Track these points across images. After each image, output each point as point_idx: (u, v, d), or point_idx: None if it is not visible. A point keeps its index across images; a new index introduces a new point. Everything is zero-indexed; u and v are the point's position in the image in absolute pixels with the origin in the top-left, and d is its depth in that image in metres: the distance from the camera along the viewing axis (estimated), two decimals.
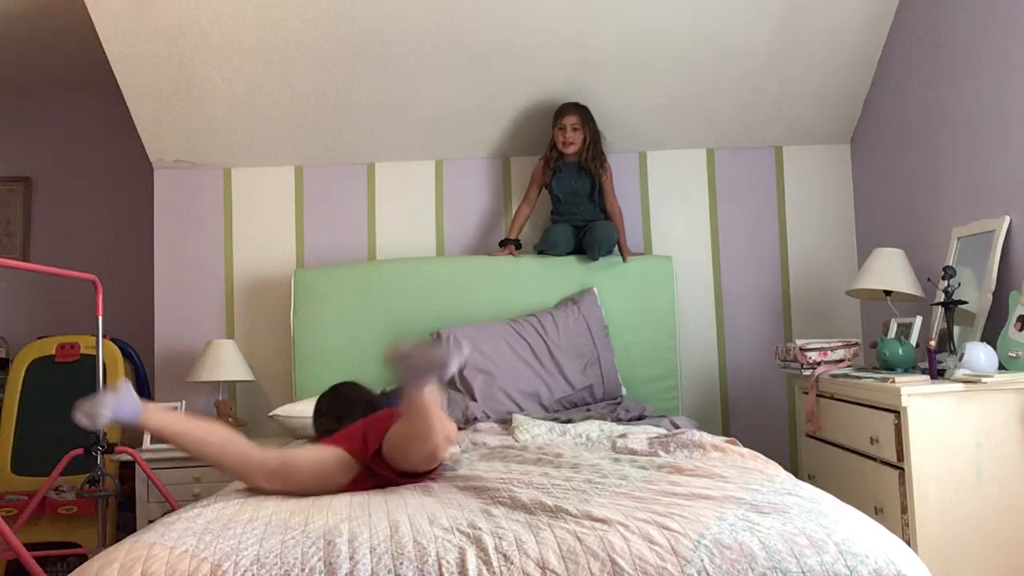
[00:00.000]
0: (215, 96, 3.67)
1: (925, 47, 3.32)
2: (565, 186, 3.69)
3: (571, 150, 3.63)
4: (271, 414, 3.28)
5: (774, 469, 2.25)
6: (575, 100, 3.74)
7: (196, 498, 3.17)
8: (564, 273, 3.70)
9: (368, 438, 2.23)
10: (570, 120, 3.62)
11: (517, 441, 2.76)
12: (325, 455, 2.17)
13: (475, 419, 3.25)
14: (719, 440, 2.56)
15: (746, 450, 2.48)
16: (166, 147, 3.85)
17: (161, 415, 2.20)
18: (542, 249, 3.73)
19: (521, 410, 3.29)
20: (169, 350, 3.86)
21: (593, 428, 2.88)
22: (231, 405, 3.65)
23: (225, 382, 3.72)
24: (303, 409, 3.26)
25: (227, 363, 3.59)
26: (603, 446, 2.68)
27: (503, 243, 3.75)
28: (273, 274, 3.90)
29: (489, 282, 3.68)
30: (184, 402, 3.61)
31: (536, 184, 3.77)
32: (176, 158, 3.90)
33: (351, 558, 1.55)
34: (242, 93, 3.66)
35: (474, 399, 3.29)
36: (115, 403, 2.10)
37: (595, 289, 3.64)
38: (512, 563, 1.53)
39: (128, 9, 3.34)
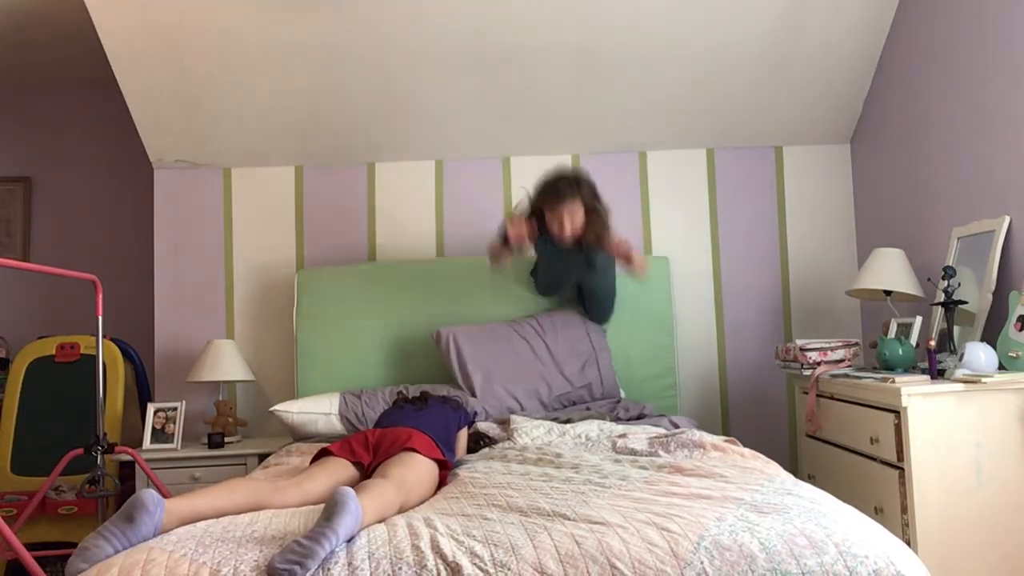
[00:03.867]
0: (215, 96, 3.67)
1: (925, 47, 3.32)
2: (552, 256, 3.22)
3: (570, 235, 2.98)
4: (272, 409, 3.29)
5: (774, 469, 2.25)
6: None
7: None
8: None
9: (377, 453, 2.26)
10: (567, 208, 2.88)
11: (515, 444, 2.76)
12: (337, 481, 2.17)
13: (475, 414, 3.25)
14: (719, 440, 2.56)
15: (746, 450, 2.48)
16: (166, 147, 3.85)
17: (181, 512, 1.84)
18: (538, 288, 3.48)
19: (521, 408, 3.30)
20: (169, 350, 3.86)
21: (593, 428, 2.88)
22: (231, 405, 3.65)
23: (225, 382, 3.72)
24: (304, 407, 3.27)
25: (227, 363, 3.59)
26: (603, 446, 2.67)
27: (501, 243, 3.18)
28: (273, 274, 3.91)
29: (489, 282, 3.68)
30: (184, 402, 3.60)
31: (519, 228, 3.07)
32: (176, 158, 3.90)
33: (350, 564, 1.55)
34: (242, 93, 3.66)
35: (474, 395, 3.30)
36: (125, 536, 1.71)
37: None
38: (509, 569, 1.53)
39: (128, 9, 3.34)
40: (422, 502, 2.06)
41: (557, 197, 2.90)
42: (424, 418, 2.61)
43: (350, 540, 1.64)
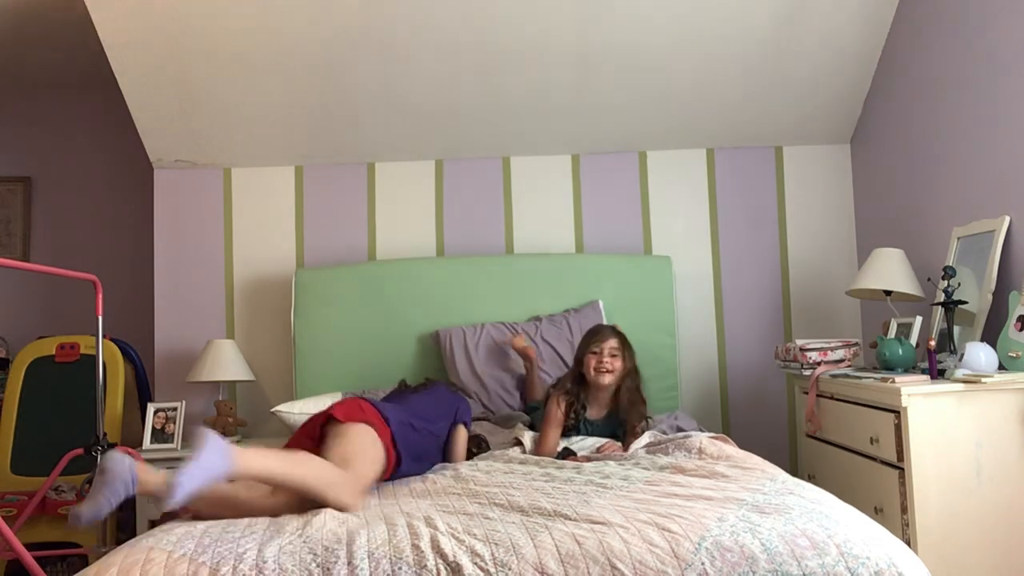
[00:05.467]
0: (215, 96, 3.66)
1: (925, 47, 3.32)
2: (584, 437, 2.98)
3: (607, 380, 2.88)
4: (273, 410, 3.30)
5: (772, 469, 2.25)
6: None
7: None
8: (564, 271, 3.70)
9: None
10: (608, 344, 2.91)
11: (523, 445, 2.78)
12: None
13: (477, 420, 3.26)
14: (708, 440, 2.56)
15: (739, 451, 2.47)
16: (166, 147, 3.85)
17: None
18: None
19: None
20: (169, 350, 3.86)
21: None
22: (231, 405, 3.65)
23: (225, 382, 3.72)
24: (305, 407, 3.28)
25: (227, 363, 3.58)
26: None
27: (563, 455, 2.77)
28: (273, 274, 3.90)
29: (489, 282, 3.68)
30: (184, 402, 3.60)
31: (555, 426, 2.85)
32: (176, 158, 3.89)
33: (349, 563, 1.55)
34: (242, 93, 3.66)
35: (470, 396, 3.32)
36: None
37: (600, 303, 3.62)
38: (510, 568, 1.53)
39: (128, 9, 3.33)
40: (377, 462, 2.17)
41: (597, 333, 2.95)
42: (412, 400, 2.61)
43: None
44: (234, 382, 3.78)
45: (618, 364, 2.89)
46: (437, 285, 3.67)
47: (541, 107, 3.77)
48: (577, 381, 2.92)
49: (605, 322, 3.57)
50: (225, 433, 3.57)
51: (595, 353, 2.89)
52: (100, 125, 4.50)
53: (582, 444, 2.79)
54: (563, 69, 3.64)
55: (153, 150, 3.85)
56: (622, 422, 2.90)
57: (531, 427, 3.07)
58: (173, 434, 3.51)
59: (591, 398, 2.92)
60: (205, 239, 3.91)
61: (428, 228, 3.95)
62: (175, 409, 3.57)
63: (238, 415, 3.78)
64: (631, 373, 2.94)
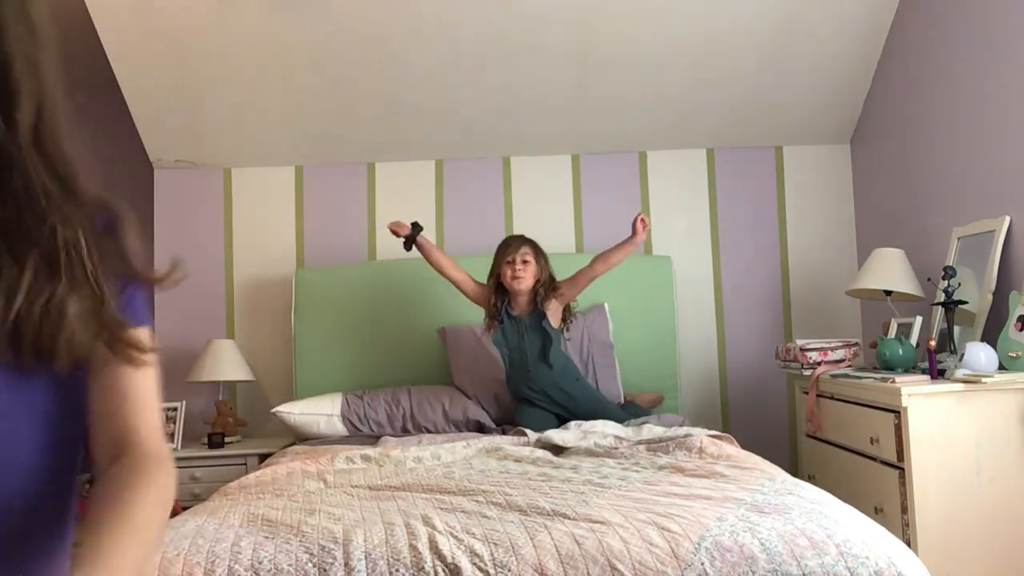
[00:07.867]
0: (215, 96, 3.66)
1: (925, 47, 3.32)
2: (511, 341, 3.19)
3: (523, 286, 3.09)
4: (274, 410, 3.30)
5: (771, 469, 2.25)
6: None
7: (195, 498, 3.17)
8: (565, 272, 3.65)
9: None
10: (520, 253, 3.12)
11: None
12: None
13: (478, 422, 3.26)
14: (708, 439, 2.55)
15: (739, 451, 2.47)
16: (166, 147, 3.84)
17: None
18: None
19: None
20: (169, 350, 3.85)
21: (608, 428, 2.88)
22: (231, 405, 3.65)
23: (225, 382, 3.71)
24: (305, 408, 3.28)
25: (227, 363, 3.58)
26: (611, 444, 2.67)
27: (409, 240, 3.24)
28: (273, 274, 3.90)
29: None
30: (184, 402, 3.60)
31: (463, 275, 3.27)
32: (176, 158, 3.89)
33: (346, 564, 1.54)
34: (242, 93, 3.66)
35: (468, 396, 3.32)
36: None
37: (606, 305, 3.62)
38: (509, 569, 1.52)
39: (128, 9, 3.33)
40: None
41: (508, 246, 3.18)
42: None
43: None
44: (234, 382, 3.78)
45: (531, 269, 3.12)
46: (437, 285, 3.66)
47: (541, 107, 3.76)
48: (498, 289, 3.19)
49: (611, 325, 3.57)
50: (226, 433, 3.57)
51: (509, 263, 3.13)
52: (100, 125, 4.49)
53: (590, 434, 2.79)
54: (563, 69, 3.64)
55: (153, 150, 3.85)
56: (546, 331, 3.12)
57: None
58: (173, 434, 3.51)
59: (513, 301, 3.19)
60: (205, 239, 3.91)
61: (428, 228, 3.94)
62: (175, 409, 3.57)
63: (238, 415, 3.78)
64: (547, 278, 3.16)
